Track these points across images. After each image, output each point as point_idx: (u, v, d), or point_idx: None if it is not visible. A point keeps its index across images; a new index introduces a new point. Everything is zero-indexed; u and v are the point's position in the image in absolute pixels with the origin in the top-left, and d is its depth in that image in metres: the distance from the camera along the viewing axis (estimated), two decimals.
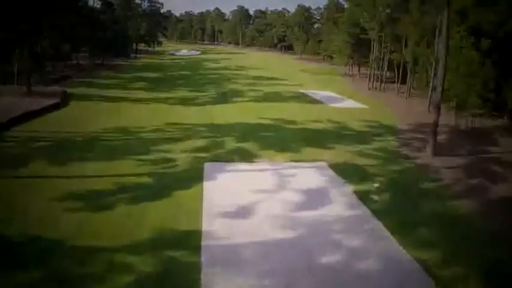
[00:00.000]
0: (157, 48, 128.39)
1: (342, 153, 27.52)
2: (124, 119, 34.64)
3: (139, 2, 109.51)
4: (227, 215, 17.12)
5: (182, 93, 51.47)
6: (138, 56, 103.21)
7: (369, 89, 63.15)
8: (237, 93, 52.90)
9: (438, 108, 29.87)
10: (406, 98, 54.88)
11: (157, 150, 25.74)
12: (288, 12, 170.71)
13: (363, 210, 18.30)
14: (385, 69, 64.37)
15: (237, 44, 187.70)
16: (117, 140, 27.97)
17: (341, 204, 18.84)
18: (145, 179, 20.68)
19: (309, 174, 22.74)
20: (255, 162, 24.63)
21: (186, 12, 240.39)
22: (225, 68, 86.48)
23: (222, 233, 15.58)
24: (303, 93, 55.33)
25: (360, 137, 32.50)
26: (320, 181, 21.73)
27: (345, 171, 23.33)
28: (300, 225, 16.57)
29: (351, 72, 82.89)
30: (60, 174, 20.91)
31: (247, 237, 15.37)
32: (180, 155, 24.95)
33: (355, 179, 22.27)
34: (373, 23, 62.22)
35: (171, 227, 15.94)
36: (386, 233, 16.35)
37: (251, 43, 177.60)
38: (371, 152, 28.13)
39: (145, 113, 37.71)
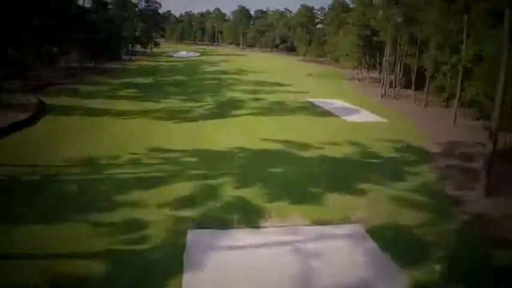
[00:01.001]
0: (155, 50, 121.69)
1: (378, 202, 20.39)
2: (97, 142, 28.38)
3: (135, 1, 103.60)
4: None
5: (174, 103, 45.71)
6: (133, 58, 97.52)
7: (382, 96, 56.98)
8: (237, 104, 46.68)
9: (495, 138, 22.84)
10: (425, 106, 48.88)
11: (124, 202, 18.64)
12: (290, 12, 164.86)
13: None
14: (400, 74, 57.97)
15: (237, 44, 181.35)
16: (75, 181, 20.98)
17: None
18: (94, 267, 13.55)
19: (343, 252, 15.34)
20: (261, 227, 17.18)
21: (185, 12, 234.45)
22: (225, 72, 79.77)
23: None
24: (311, 103, 49.11)
25: (390, 168, 25.82)
26: (361, 267, 14.31)
27: (392, 244, 16.16)
28: None
29: (359, 76, 76.42)
30: None
31: None
32: (155, 213, 17.79)
33: (409, 257, 15.15)
34: (386, 23, 55.88)
35: None
36: None
37: (252, 44, 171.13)
38: (413, 198, 21.13)
39: (125, 133, 31.57)
